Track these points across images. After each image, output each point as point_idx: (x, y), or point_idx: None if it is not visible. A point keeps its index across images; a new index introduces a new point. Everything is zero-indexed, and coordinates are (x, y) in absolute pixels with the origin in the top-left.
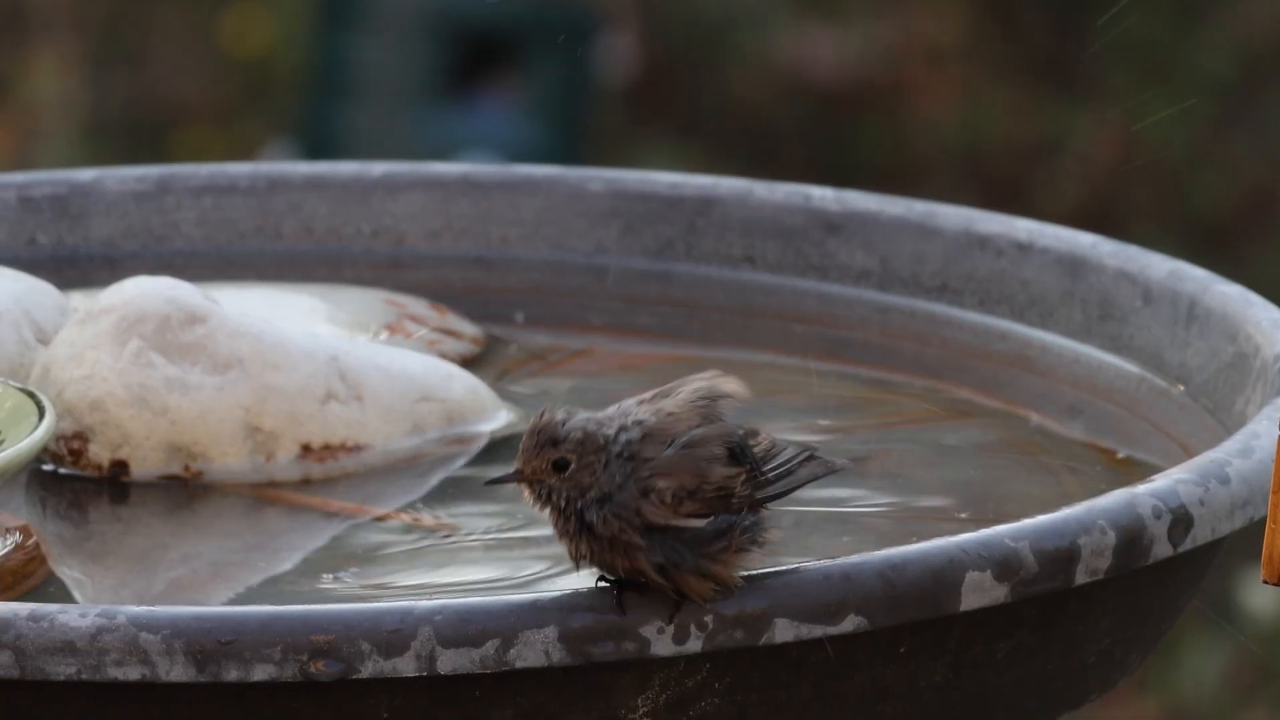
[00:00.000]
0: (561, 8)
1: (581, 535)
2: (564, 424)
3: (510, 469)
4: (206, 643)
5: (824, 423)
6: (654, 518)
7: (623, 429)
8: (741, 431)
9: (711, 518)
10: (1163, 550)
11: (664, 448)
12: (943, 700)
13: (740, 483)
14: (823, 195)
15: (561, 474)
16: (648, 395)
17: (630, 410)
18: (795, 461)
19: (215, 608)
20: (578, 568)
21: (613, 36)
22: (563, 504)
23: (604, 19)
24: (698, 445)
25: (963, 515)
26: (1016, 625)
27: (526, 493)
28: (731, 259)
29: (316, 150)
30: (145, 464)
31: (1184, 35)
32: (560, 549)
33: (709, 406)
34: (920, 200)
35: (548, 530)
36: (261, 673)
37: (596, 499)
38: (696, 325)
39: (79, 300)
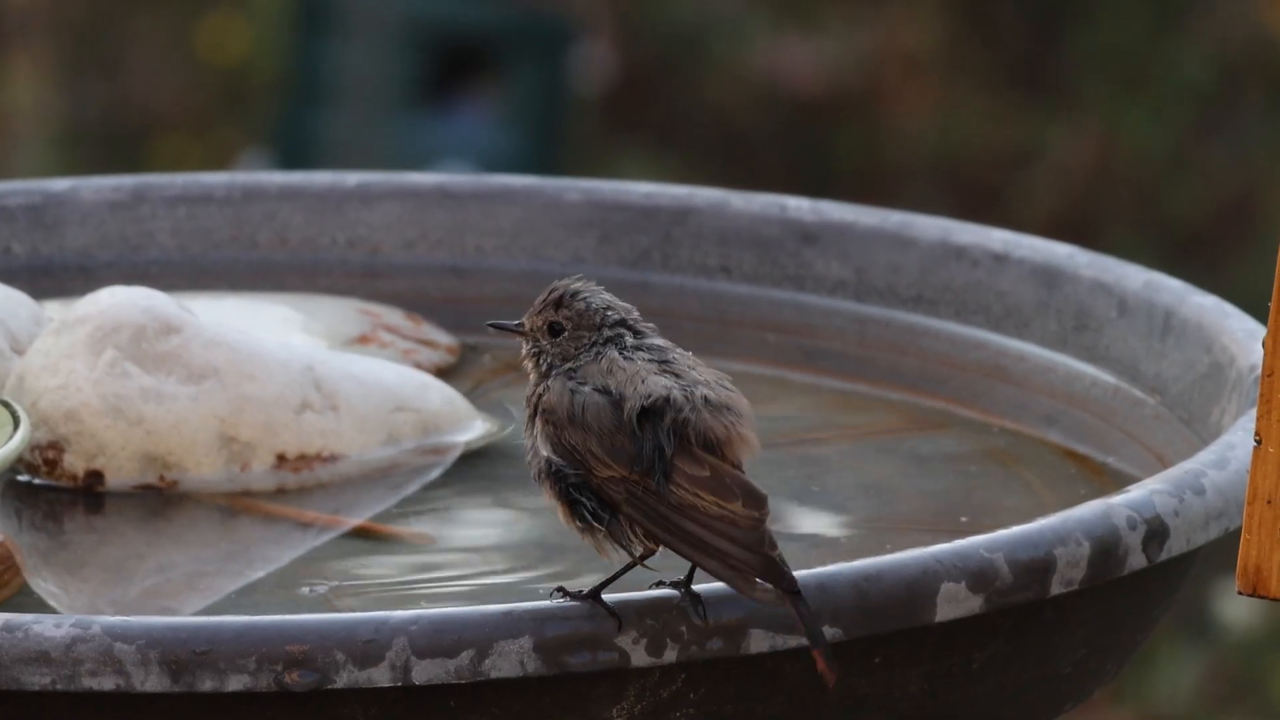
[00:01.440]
0: (538, 17)
1: (538, 403)
2: (575, 295)
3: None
4: (181, 653)
5: (800, 433)
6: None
7: (624, 327)
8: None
9: (561, 459)
10: (1138, 561)
11: (628, 384)
12: (919, 711)
13: (607, 474)
14: (799, 205)
15: (554, 338)
16: (691, 358)
17: (652, 334)
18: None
19: (190, 618)
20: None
21: (589, 45)
22: (544, 368)
23: (580, 28)
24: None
25: (937, 526)
26: (992, 636)
27: (523, 347)
28: (707, 269)
29: (293, 158)
30: (120, 474)
31: (1162, 44)
32: (532, 558)
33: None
34: (896, 210)
35: (523, 540)
36: (236, 683)
37: (570, 370)
38: (673, 335)
39: (54, 310)
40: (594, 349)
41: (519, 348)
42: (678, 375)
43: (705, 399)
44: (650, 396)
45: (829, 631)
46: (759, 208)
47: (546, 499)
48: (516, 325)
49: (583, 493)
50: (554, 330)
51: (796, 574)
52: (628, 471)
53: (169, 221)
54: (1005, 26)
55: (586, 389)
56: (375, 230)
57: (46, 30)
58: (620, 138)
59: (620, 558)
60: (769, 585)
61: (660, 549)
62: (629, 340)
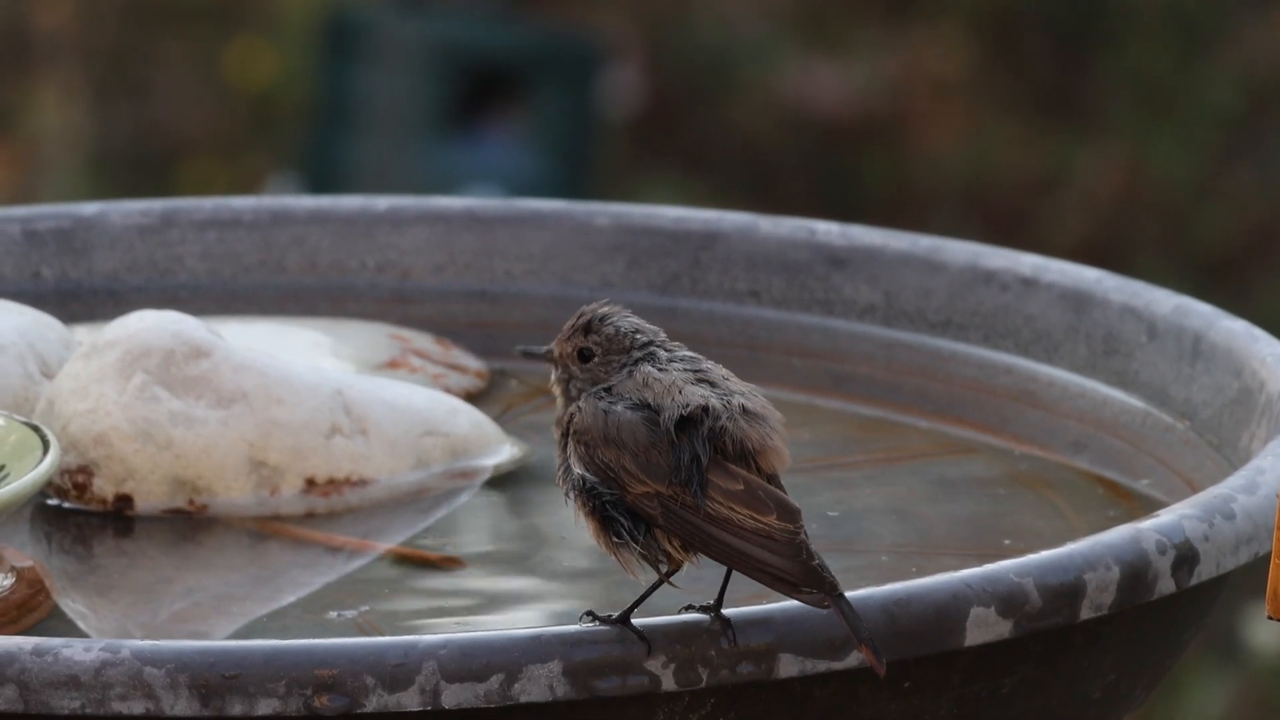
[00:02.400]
0: (566, 42)
1: (569, 425)
2: (604, 319)
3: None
4: (211, 677)
5: (828, 458)
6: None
7: (654, 347)
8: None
9: (595, 477)
10: (1167, 586)
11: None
12: None
13: (641, 490)
14: (828, 230)
15: (584, 364)
16: (723, 370)
17: (682, 352)
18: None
19: (219, 642)
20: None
21: (617, 70)
22: (574, 394)
23: (608, 53)
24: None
25: (966, 550)
26: (1021, 661)
27: (552, 373)
28: (736, 294)
29: (321, 183)
30: (150, 498)
31: (1189, 69)
32: (561, 582)
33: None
34: (925, 235)
35: (551, 564)
36: (266, 707)
37: (602, 390)
38: None
39: (83, 334)
40: (625, 370)
41: (548, 372)
42: (713, 384)
43: (743, 408)
44: (689, 405)
45: (858, 656)
46: (788, 232)
47: (577, 516)
48: (545, 351)
49: (618, 510)
50: (584, 356)
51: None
52: (663, 486)
53: (198, 245)
54: (1033, 51)
55: (619, 407)
56: (404, 254)
57: (75, 54)
58: (648, 162)
59: (648, 577)
60: (813, 591)
61: (687, 565)
62: (662, 355)
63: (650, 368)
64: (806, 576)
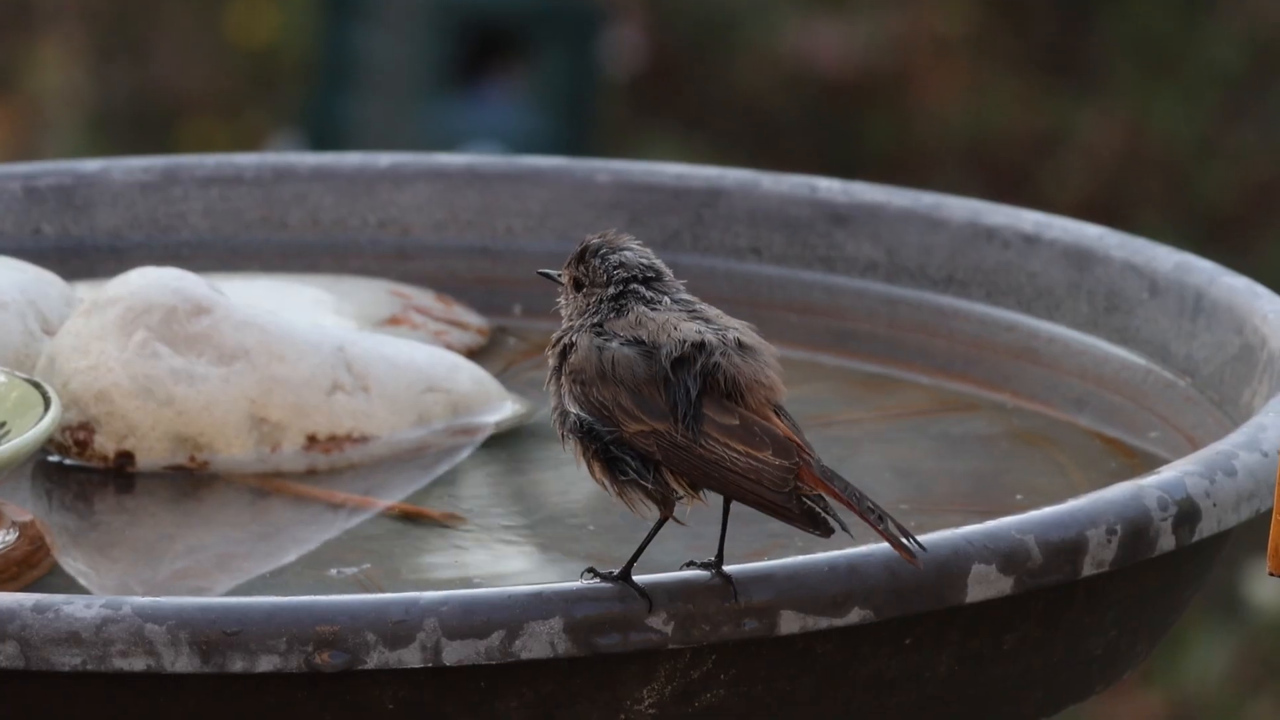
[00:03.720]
0: (567, 0)
1: (562, 361)
2: (596, 250)
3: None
4: (212, 634)
5: (830, 415)
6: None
7: (638, 283)
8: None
9: (591, 417)
10: (1169, 542)
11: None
12: (948, 692)
13: (637, 428)
14: (829, 187)
15: (577, 292)
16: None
17: (680, 294)
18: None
19: (220, 599)
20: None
21: (619, 28)
22: (565, 321)
23: (610, 11)
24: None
25: (968, 507)
26: (1022, 617)
27: (560, 296)
28: (738, 250)
29: (322, 141)
30: (151, 455)
31: (1191, 27)
32: (562, 538)
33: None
34: (927, 192)
35: (552, 520)
36: (267, 664)
37: (596, 326)
38: None
39: (84, 291)
40: (607, 304)
41: (549, 329)
42: (708, 320)
43: (738, 342)
44: (685, 342)
45: (859, 612)
46: (789, 189)
47: (578, 459)
48: (558, 275)
49: (621, 449)
50: (577, 285)
51: (827, 554)
52: (659, 423)
53: (200, 202)
54: (1035, 9)
55: (614, 344)
56: (406, 211)
57: (77, 14)
58: (649, 121)
59: (654, 515)
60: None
61: (692, 503)
62: (645, 293)
63: (644, 307)
64: (801, 514)
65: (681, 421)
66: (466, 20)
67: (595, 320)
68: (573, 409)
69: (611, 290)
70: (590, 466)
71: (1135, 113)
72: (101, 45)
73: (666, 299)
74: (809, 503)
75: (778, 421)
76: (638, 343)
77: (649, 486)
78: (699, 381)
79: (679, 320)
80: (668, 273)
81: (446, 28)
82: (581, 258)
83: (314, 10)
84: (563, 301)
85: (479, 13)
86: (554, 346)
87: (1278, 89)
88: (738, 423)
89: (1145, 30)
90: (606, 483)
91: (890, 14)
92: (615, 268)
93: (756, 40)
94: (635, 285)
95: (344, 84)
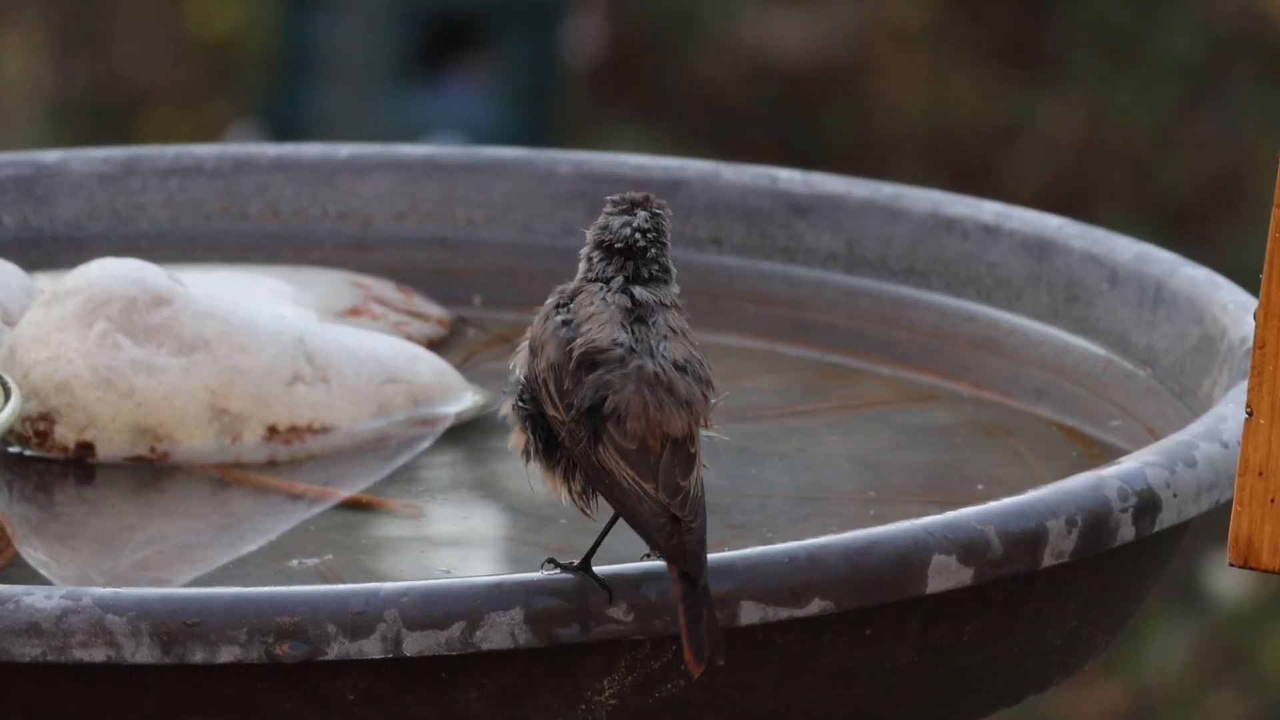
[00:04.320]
0: None
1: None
2: (621, 206)
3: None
4: (172, 624)
5: (790, 405)
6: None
7: (625, 258)
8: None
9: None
10: (1129, 533)
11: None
12: (909, 682)
13: (553, 414)
14: (790, 177)
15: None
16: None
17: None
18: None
19: (181, 590)
20: None
21: (580, 19)
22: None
23: (571, 2)
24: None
25: (928, 498)
26: (983, 608)
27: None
28: (698, 241)
29: (283, 132)
30: (111, 445)
31: (1150, 18)
32: (523, 529)
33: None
34: (888, 182)
35: (513, 511)
36: (227, 655)
37: (566, 302)
38: None
39: (45, 282)
40: (596, 268)
41: (510, 320)
42: (637, 337)
43: (640, 369)
44: (592, 343)
45: (820, 603)
46: (749, 180)
47: (504, 413)
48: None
49: (536, 428)
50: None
51: (788, 545)
52: (566, 417)
53: (160, 193)
54: (994, 0)
55: (558, 319)
56: (367, 202)
57: (37, 5)
58: (610, 112)
59: (564, 493)
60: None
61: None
62: (618, 280)
63: (601, 289)
64: (669, 549)
65: (581, 425)
66: (428, 11)
67: (573, 287)
68: (517, 371)
69: (597, 255)
70: (511, 429)
71: (1095, 103)
72: (62, 36)
73: (634, 290)
74: (685, 539)
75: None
76: (570, 325)
77: (541, 467)
78: (594, 395)
79: (610, 320)
80: (653, 254)
81: (408, 18)
82: (629, 207)
83: (275, 1)
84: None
85: (440, 3)
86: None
87: (1236, 79)
88: (634, 448)
89: (1104, 21)
90: (517, 451)
91: (850, 5)
92: (620, 227)
93: (717, 31)
94: (625, 261)
95: (305, 74)
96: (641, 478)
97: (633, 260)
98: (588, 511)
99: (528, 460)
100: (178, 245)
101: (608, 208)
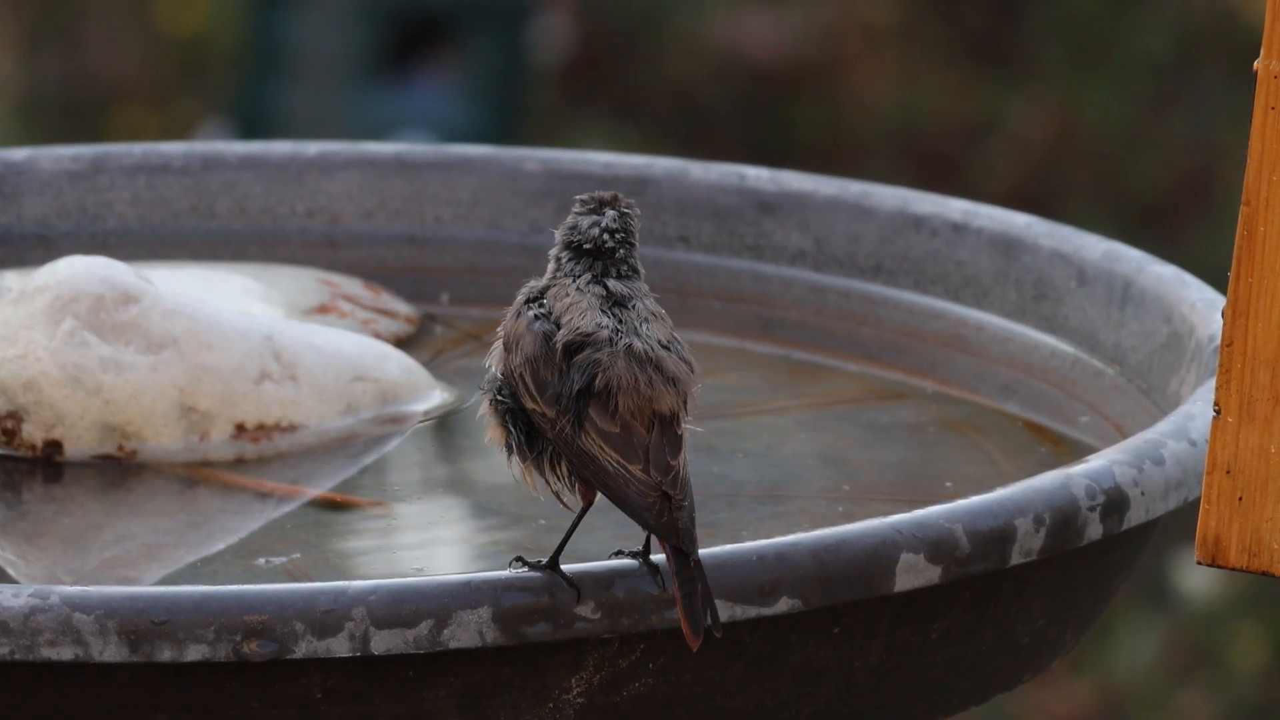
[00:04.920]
0: None
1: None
2: (589, 205)
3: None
4: (140, 623)
5: (758, 403)
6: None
7: (591, 257)
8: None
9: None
10: (1097, 531)
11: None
12: (877, 681)
13: (533, 406)
14: (758, 175)
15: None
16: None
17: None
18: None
19: (149, 588)
20: None
21: (548, 17)
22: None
23: None
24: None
25: (896, 496)
26: (950, 606)
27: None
28: (666, 239)
29: (251, 129)
30: (79, 444)
31: (1120, 15)
32: (491, 527)
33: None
34: (856, 180)
35: (481, 509)
36: (195, 653)
37: (537, 297)
38: None
39: (12, 279)
40: (565, 266)
41: (478, 317)
42: (620, 320)
43: (629, 347)
44: (577, 330)
45: (787, 601)
46: (718, 177)
47: (481, 411)
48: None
49: (515, 421)
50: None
51: (755, 543)
52: (548, 408)
53: (128, 191)
54: None
55: (530, 314)
56: (335, 200)
57: (5, 1)
58: (579, 110)
59: (542, 486)
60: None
61: (570, 508)
62: (586, 276)
63: (573, 283)
64: (660, 526)
65: (564, 413)
66: (396, 8)
67: (543, 284)
68: (493, 367)
69: (564, 255)
70: (488, 426)
71: (1065, 101)
72: (31, 33)
73: (607, 281)
74: (676, 515)
75: (650, 439)
76: (548, 319)
77: (526, 464)
78: (583, 377)
79: (590, 307)
80: (622, 254)
81: (376, 16)
82: (599, 205)
83: None
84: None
85: (408, 1)
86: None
87: (1206, 77)
88: (618, 430)
89: (1074, 18)
90: (499, 449)
91: (821, 3)
92: (589, 227)
93: (687, 28)
94: (590, 260)
95: (273, 72)
96: (627, 460)
97: (601, 260)
98: (564, 503)
99: (509, 454)
100: (146, 243)
101: (576, 207)
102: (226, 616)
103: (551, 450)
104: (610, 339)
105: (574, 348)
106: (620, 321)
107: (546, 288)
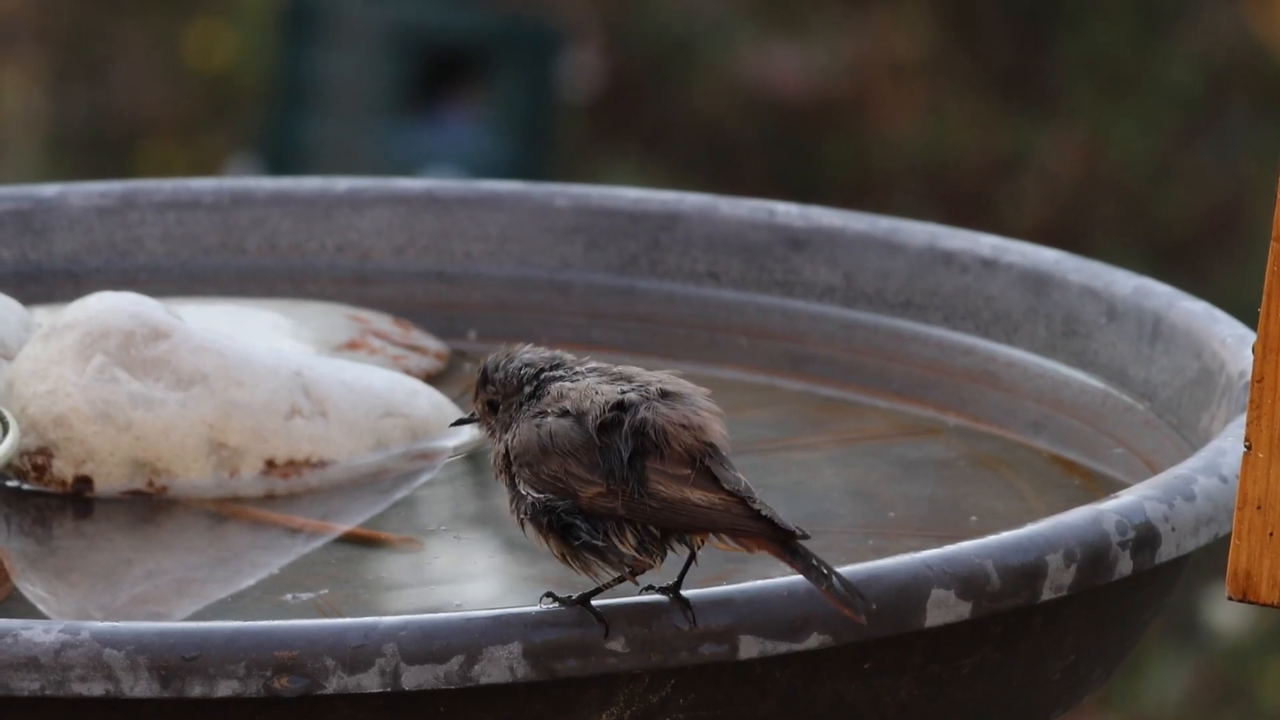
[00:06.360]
0: (525, 23)
1: (506, 454)
2: (498, 365)
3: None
4: (171, 659)
5: (787, 439)
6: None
7: (550, 371)
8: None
9: (546, 494)
10: (1128, 567)
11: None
12: (907, 716)
13: (594, 491)
14: (787, 211)
15: (495, 414)
16: (614, 371)
17: (591, 363)
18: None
19: (179, 624)
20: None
21: (576, 52)
22: (499, 442)
23: (568, 34)
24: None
25: (926, 531)
26: (981, 642)
27: (483, 431)
28: (695, 275)
29: (280, 165)
30: (109, 480)
31: (1148, 49)
32: (521, 562)
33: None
34: (885, 216)
35: (511, 545)
36: (226, 689)
37: (526, 414)
38: (660, 341)
39: (43, 316)
40: (530, 400)
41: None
42: (629, 380)
43: (661, 391)
44: (608, 404)
45: (818, 637)
46: (747, 213)
47: (537, 542)
48: (471, 414)
49: (574, 516)
50: (492, 407)
51: (787, 579)
52: (606, 483)
53: (158, 227)
54: (992, 33)
55: (548, 419)
56: (364, 236)
57: (34, 37)
58: (607, 145)
59: (609, 576)
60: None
61: (654, 565)
62: (558, 374)
63: (561, 383)
64: (762, 527)
65: (624, 483)
66: (424, 43)
67: (527, 408)
68: (528, 492)
69: (527, 390)
70: (548, 543)
71: (1093, 136)
72: (59, 68)
73: (581, 371)
74: (762, 510)
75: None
76: (565, 414)
77: (599, 545)
78: (630, 443)
79: (599, 384)
80: (570, 357)
81: (404, 51)
82: (485, 379)
83: (272, 33)
84: (486, 431)
85: (437, 36)
86: (496, 453)
87: (1234, 111)
88: (689, 472)
89: (1102, 53)
90: (566, 555)
91: (847, 37)
92: (522, 368)
93: (714, 63)
94: (545, 374)
95: (302, 107)
96: (707, 491)
97: (545, 372)
98: (650, 562)
99: (576, 541)
100: (175, 279)
101: (500, 367)
102: (257, 652)
103: (616, 524)
104: (641, 395)
105: (608, 424)
106: (630, 380)
107: (529, 410)
